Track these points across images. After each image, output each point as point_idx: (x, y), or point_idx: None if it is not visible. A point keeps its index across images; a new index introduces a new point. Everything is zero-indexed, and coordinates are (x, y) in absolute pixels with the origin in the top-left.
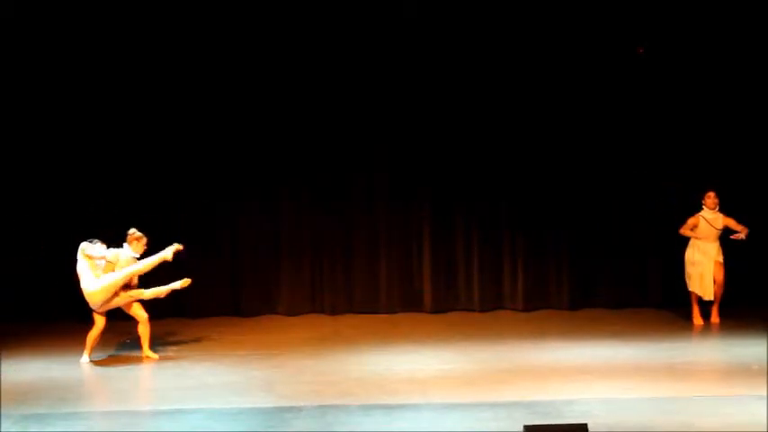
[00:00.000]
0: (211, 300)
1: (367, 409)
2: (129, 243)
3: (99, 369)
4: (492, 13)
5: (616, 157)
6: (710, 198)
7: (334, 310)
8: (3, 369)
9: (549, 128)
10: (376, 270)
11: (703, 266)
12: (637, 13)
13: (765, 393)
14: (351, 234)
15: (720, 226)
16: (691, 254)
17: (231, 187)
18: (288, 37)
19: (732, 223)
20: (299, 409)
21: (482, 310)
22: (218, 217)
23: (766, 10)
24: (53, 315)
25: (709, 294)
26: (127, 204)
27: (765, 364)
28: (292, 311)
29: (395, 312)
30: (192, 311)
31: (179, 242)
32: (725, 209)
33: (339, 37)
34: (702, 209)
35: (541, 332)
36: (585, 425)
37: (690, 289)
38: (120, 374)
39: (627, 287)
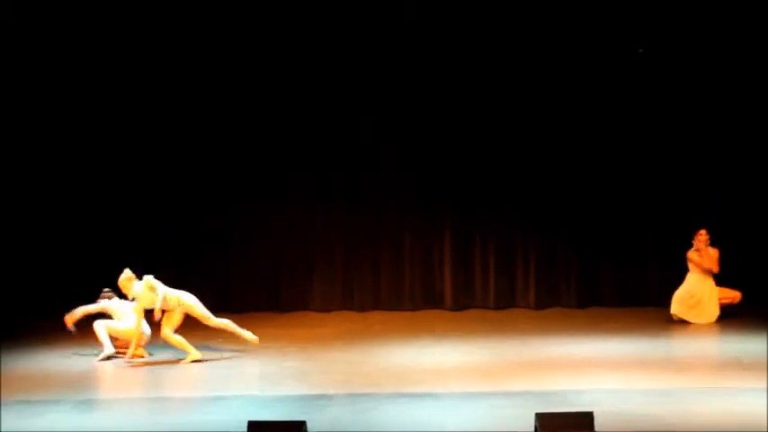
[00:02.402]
0: (253, 296)
1: (393, 397)
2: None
3: (150, 359)
4: (502, 17)
5: (621, 163)
6: (702, 235)
7: (363, 307)
8: (53, 360)
9: (560, 138)
10: (401, 271)
11: (702, 296)
12: (649, 13)
13: (757, 386)
14: (378, 238)
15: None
16: (689, 287)
17: (273, 193)
18: (314, 42)
19: (715, 256)
20: (330, 397)
21: (497, 308)
22: (260, 221)
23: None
24: None
25: (709, 317)
26: (179, 206)
27: (755, 358)
28: (325, 308)
29: (418, 309)
30: (236, 307)
31: (227, 242)
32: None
33: (367, 41)
34: (693, 245)
35: (552, 328)
36: (592, 413)
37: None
38: (170, 363)
39: (631, 287)
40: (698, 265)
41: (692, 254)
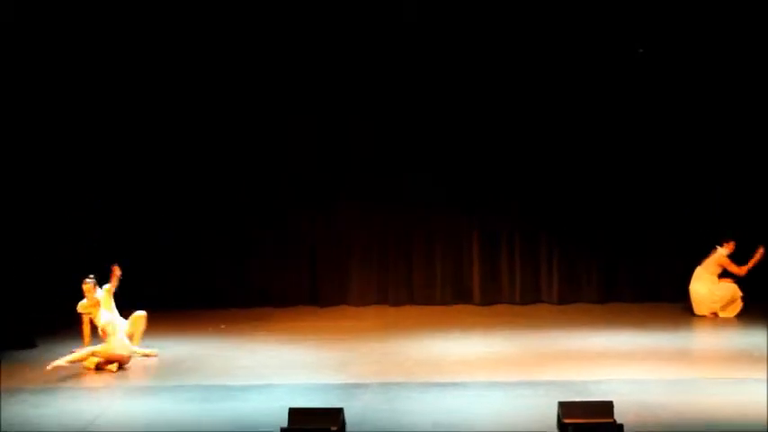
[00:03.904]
0: (294, 292)
1: (424, 386)
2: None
3: (198, 349)
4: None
5: (640, 164)
6: (731, 245)
7: (397, 302)
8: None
9: (581, 141)
10: (433, 268)
11: (719, 293)
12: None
13: (765, 377)
14: (411, 237)
15: None
16: (719, 291)
17: (313, 194)
18: (359, 47)
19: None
20: (366, 386)
21: (523, 303)
22: (300, 221)
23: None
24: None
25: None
26: (228, 208)
27: (764, 351)
28: (361, 303)
29: (448, 304)
30: (277, 301)
31: (268, 241)
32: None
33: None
34: (718, 249)
35: (574, 322)
36: (611, 402)
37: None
38: (216, 353)
39: (648, 284)
40: (728, 266)
41: (726, 259)
